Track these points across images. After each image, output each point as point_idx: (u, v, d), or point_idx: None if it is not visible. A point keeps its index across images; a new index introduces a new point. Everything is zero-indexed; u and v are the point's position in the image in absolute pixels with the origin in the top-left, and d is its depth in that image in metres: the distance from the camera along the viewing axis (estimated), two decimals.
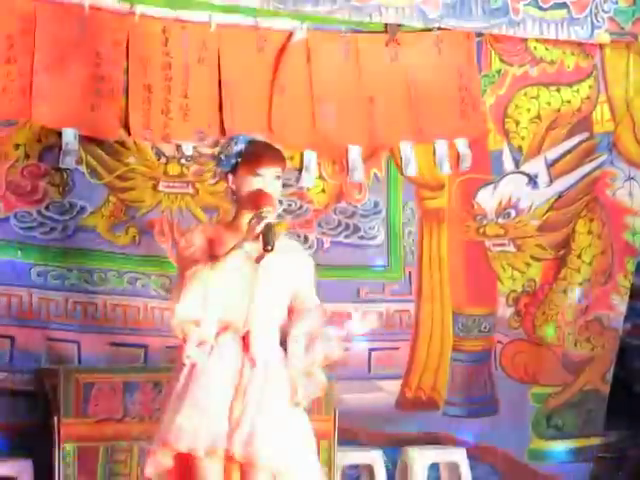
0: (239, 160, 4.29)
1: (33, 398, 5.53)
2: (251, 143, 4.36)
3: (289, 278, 4.40)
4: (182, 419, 4.13)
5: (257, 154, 4.30)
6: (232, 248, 4.19)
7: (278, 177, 4.33)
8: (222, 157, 4.33)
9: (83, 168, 5.73)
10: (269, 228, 4.16)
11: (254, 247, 4.22)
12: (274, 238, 4.16)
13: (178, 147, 5.87)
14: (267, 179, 4.26)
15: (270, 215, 4.19)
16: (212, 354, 4.24)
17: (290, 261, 4.41)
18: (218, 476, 4.21)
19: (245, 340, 4.30)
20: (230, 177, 4.31)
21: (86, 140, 5.71)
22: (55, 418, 5.29)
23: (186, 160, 5.87)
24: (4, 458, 5.45)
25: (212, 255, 4.21)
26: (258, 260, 4.27)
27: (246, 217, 4.24)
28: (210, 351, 4.23)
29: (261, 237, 4.14)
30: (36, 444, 5.45)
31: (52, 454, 5.29)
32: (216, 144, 4.76)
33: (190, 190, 5.93)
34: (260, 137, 4.47)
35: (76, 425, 5.30)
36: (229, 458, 4.15)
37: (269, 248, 4.17)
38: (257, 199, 4.23)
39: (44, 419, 5.41)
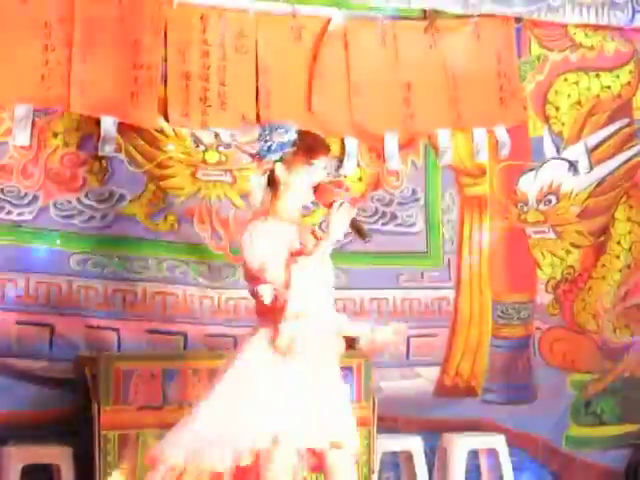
0: (290, 149, 4.12)
1: (73, 386, 5.37)
2: (301, 133, 4.19)
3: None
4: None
5: (311, 144, 4.16)
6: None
7: (325, 167, 4.23)
8: (268, 146, 4.16)
9: (122, 156, 5.58)
10: (357, 221, 4.09)
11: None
12: (364, 229, 4.13)
13: (216, 135, 5.70)
14: (317, 169, 4.14)
15: (350, 209, 4.07)
16: (249, 345, 4.12)
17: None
18: (288, 468, 4.06)
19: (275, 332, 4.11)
20: (279, 166, 4.12)
21: (125, 128, 5.55)
22: (95, 406, 5.12)
23: (224, 148, 5.70)
24: (44, 446, 5.30)
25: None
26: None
27: (291, 204, 4.11)
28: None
29: (355, 232, 4.09)
30: (76, 432, 5.31)
31: (92, 442, 5.13)
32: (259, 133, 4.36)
33: (228, 178, 5.77)
34: (297, 127, 4.26)
35: (116, 413, 5.13)
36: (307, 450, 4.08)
37: (367, 240, 4.15)
38: (320, 193, 4.13)
39: (84, 407, 5.25)
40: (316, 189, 4.13)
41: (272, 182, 4.13)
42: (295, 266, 3.97)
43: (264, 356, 4.07)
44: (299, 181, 4.11)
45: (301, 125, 4.75)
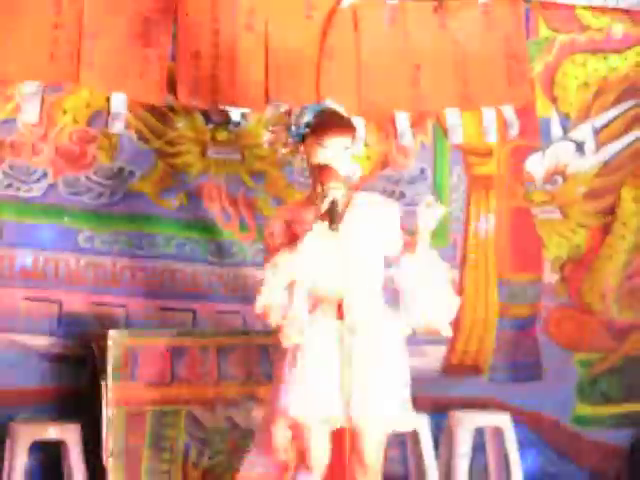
0: (307, 130, 4.05)
1: (81, 362, 5.23)
2: (320, 112, 4.08)
3: (376, 235, 4.09)
4: (295, 395, 3.98)
5: (323, 124, 4.05)
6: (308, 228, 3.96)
7: (346, 148, 4.05)
8: (292, 127, 4.11)
9: (132, 133, 5.42)
10: (334, 206, 3.90)
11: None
12: (338, 216, 3.91)
13: (226, 113, 5.51)
14: (334, 150, 4.00)
15: (335, 191, 3.91)
16: (312, 330, 4.02)
17: (373, 217, 4.11)
18: (327, 442, 4.08)
19: (340, 310, 4.06)
20: (302, 148, 4.10)
21: (134, 105, 5.40)
22: (103, 382, 4.99)
23: (235, 125, 5.55)
24: (52, 422, 5.14)
25: (293, 235, 4.02)
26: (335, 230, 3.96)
27: (315, 191, 4.02)
28: (308, 327, 4.02)
29: (328, 217, 3.90)
30: (84, 408, 5.16)
31: (100, 418, 4.99)
32: (289, 113, 4.28)
33: (238, 156, 5.59)
34: (331, 106, 4.20)
35: (124, 389, 4.98)
36: (342, 425, 4.05)
37: (333, 227, 3.91)
38: (322, 174, 3.98)
39: (92, 383, 5.13)
40: (318, 166, 3.99)
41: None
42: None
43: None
44: (310, 158, 4.05)
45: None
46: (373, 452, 4.11)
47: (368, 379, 4.03)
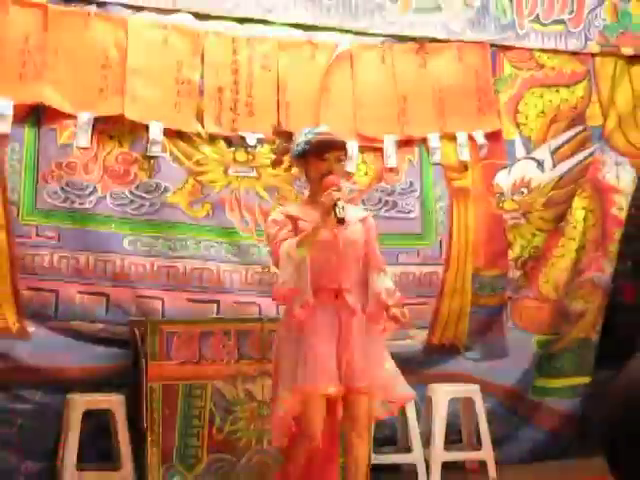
0: (307, 147, 4.04)
1: (125, 345, 5.15)
2: (318, 133, 4.12)
3: (358, 240, 4.11)
4: (301, 368, 3.91)
5: (322, 142, 4.06)
6: (315, 225, 3.93)
7: (340, 160, 4.10)
8: (295, 146, 4.10)
9: (166, 155, 5.35)
10: (337, 206, 3.88)
11: (333, 221, 3.93)
12: (343, 213, 3.87)
13: (244, 138, 5.47)
14: (331, 162, 4.02)
15: (337, 194, 3.92)
16: (316, 312, 3.94)
17: (357, 227, 4.13)
18: (323, 408, 3.97)
19: (340, 296, 3.99)
20: (301, 162, 4.10)
21: (169, 132, 5.34)
22: (143, 361, 4.93)
23: (252, 148, 5.48)
24: (101, 394, 5.09)
25: (297, 228, 3.99)
26: (337, 229, 3.98)
27: (319, 195, 3.97)
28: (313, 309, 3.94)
29: (333, 213, 3.86)
30: (127, 382, 5.09)
31: (141, 391, 4.92)
32: (290, 137, 4.27)
33: (254, 174, 5.52)
34: (324, 129, 4.20)
35: (160, 367, 4.92)
36: (340, 393, 3.98)
37: (341, 222, 3.89)
38: (325, 182, 3.96)
39: (134, 362, 5.05)
40: (322, 175, 3.99)
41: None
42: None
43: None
44: (312, 173, 4.05)
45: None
46: (367, 417, 4.06)
47: (363, 353, 3.97)
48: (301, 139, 4.08)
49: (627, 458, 1.47)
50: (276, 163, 4.37)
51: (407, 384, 4.16)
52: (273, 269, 4.70)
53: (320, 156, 3.99)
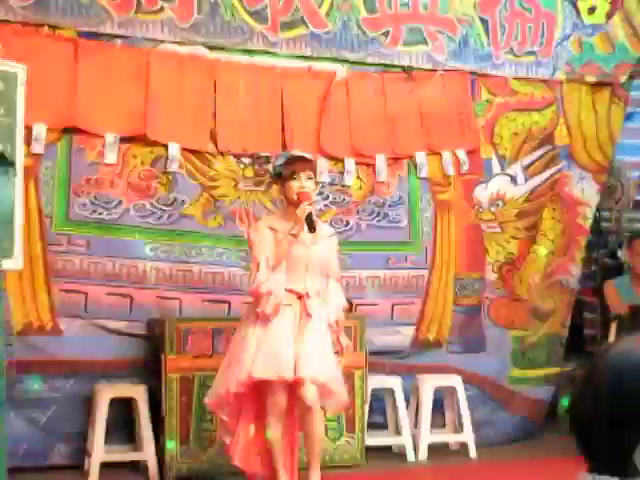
0: (281, 170, 4.36)
1: (147, 340, 5.26)
2: (291, 157, 4.39)
3: (327, 255, 4.46)
4: (263, 359, 4.23)
5: (293, 164, 4.35)
6: (291, 238, 4.28)
7: (310, 178, 4.38)
8: (272, 168, 4.50)
9: (183, 172, 5.40)
10: (310, 217, 4.24)
11: (308, 236, 4.32)
12: (314, 224, 4.26)
13: (252, 156, 5.52)
14: (302, 180, 4.32)
15: (310, 207, 4.27)
16: (282, 311, 4.30)
17: (327, 243, 4.48)
18: (284, 392, 4.31)
19: (302, 300, 4.35)
20: (278, 182, 4.44)
21: (186, 151, 5.39)
22: (162, 355, 5.03)
23: (259, 165, 5.54)
24: (126, 384, 5.19)
25: (276, 237, 4.31)
26: (309, 245, 4.35)
27: (292, 209, 4.30)
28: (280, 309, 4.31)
29: (305, 224, 4.23)
30: (149, 374, 5.19)
31: (160, 381, 5.04)
32: (268, 160, 4.70)
33: (262, 188, 5.56)
34: (297, 152, 4.52)
35: (178, 360, 5.05)
36: (293, 380, 4.25)
37: (312, 230, 4.26)
38: (299, 197, 4.30)
39: (154, 355, 5.16)
40: (296, 192, 4.31)
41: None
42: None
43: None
44: (287, 189, 4.36)
45: (314, 150, 5.30)
46: (313, 397, 4.31)
47: (314, 349, 4.28)
48: (277, 162, 4.43)
49: (598, 439, 1.50)
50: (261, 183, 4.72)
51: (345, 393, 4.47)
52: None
53: (293, 175, 4.31)
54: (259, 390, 4.37)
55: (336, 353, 4.45)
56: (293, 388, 4.33)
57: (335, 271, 4.56)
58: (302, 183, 4.30)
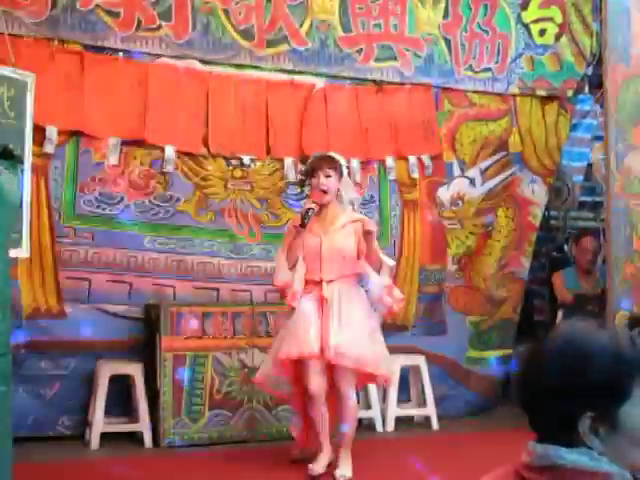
0: (307, 170, 4.34)
1: (144, 322, 5.17)
2: (314, 157, 4.36)
3: (340, 241, 4.27)
4: (288, 340, 4.18)
5: (313, 163, 4.31)
6: (303, 231, 4.21)
7: (328, 176, 4.26)
8: (303, 168, 4.50)
9: (178, 172, 5.33)
10: (306, 212, 4.13)
11: (320, 228, 4.25)
12: (307, 220, 4.12)
13: (240, 159, 5.47)
14: (320, 177, 4.24)
15: (309, 205, 4.18)
16: (304, 298, 4.22)
17: (343, 230, 4.29)
18: (320, 370, 4.17)
19: (320, 286, 4.22)
20: (308, 181, 4.35)
21: (181, 154, 5.33)
22: (158, 336, 4.96)
23: (246, 167, 5.46)
24: (124, 362, 5.09)
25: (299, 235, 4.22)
26: (320, 235, 4.25)
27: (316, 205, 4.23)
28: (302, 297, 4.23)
29: (302, 219, 4.14)
30: (146, 353, 5.11)
31: (156, 360, 4.97)
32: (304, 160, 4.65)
33: (249, 187, 5.49)
34: (318, 153, 4.44)
35: (171, 341, 4.97)
36: (324, 360, 4.14)
37: (303, 226, 4.12)
38: (310, 195, 4.31)
39: (150, 336, 5.08)
40: (310, 192, 4.30)
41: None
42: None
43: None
44: (310, 186, 4.32)
45: (295, 153, 5.32)
46: (344, 378, 4.18)
47: (341, 329, 4.13)
48: (308, 162, 4.37)
49: (544, 410, 1.49)
50: (300, 183, 4.60)
51: (387, 367, 4.30)
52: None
53: (312, 174, 4.25)
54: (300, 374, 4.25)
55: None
56: (331, 372, 4.20)
57: (368, 251, 4.23)
58: (320, 180, 4.20)
